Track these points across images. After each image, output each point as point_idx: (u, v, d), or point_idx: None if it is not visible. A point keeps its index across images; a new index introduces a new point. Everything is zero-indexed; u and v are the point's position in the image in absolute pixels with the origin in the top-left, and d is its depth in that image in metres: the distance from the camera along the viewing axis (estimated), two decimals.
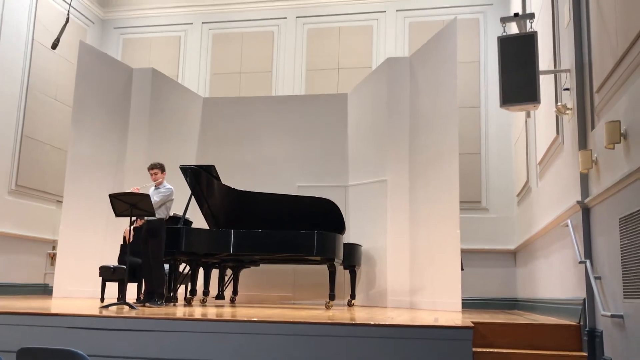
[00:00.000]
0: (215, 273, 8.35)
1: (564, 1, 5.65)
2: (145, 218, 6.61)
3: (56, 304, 6.46)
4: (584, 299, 4.83)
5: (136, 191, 6.62)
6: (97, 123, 9.15)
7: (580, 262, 4.86)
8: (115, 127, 9.28)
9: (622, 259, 3.97)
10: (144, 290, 6.79)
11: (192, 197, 7.50)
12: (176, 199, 6.99)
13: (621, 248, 3.98)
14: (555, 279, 6.24)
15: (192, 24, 11.68)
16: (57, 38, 8.27)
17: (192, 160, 9.37)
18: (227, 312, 5.83)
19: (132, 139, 9.27)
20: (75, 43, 9.72)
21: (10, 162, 9.59)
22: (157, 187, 6.83)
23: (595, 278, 4.61)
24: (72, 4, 9.96)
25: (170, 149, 9.18)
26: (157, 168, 6.85)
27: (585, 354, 4.69)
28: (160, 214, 6.64)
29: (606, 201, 4.39)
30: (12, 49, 9.66)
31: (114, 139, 9.24)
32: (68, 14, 8.75)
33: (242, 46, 11.37)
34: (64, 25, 8.33)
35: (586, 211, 4.93)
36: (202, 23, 11.64)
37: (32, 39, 10.06)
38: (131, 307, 5.71)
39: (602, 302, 4.42)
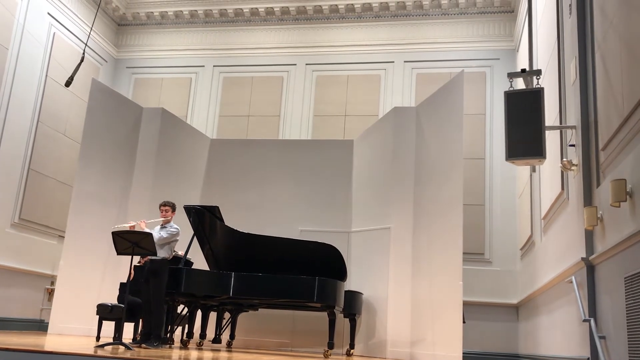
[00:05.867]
0: (213, 316, 8.23)
1: (570, 59, 5.75)
2: (149, 257, 6.57)
3: (51, 341, 6.36)
4: (588, 359, 4.73)
5: (133, 225, 6.67)
6: (104, 160, 9.17)
7: (585, 321, 4.78)
8: (121, 164, 9.29)
9: (627, 319, 3.91)
10: (141, 331, 6.69)
11: (195, 238, 7.47)
12: (179, 239, 6.96)
13: (627, 308, 3.92)
14: (558, 336, 6.13)
15: (203, 66, 11.90)
16: (71, 76, 8.36)
17: (196, 200, 9.37)
18: (223, 357, 5.73)
19: (138, 177, 9.26)
20: (88, 81, 9.88)
21: (15, 195, 9.61)
22: (163, 225, 6.81)
23: (600, 337, 4.53)
24: (87, 43, 10.16)
25: (175, 188, 9.18)
26: (169, 206, 6.94)
27: None
28: (163, 253, 6.60)
29: (612, 259, 4.36)
30: (26, 84, 9.83)
31: (119, 177, 9.23)
32: (84, 53, 8.87)
33: (252, 90, 11.55)
34: (79, 64, 8.43)
35: (591, 268, 4.89)
36: (214, 66, 11.86)
37: (46, 75, 10.24)
38: (127, 347, 5.62)
39: None
